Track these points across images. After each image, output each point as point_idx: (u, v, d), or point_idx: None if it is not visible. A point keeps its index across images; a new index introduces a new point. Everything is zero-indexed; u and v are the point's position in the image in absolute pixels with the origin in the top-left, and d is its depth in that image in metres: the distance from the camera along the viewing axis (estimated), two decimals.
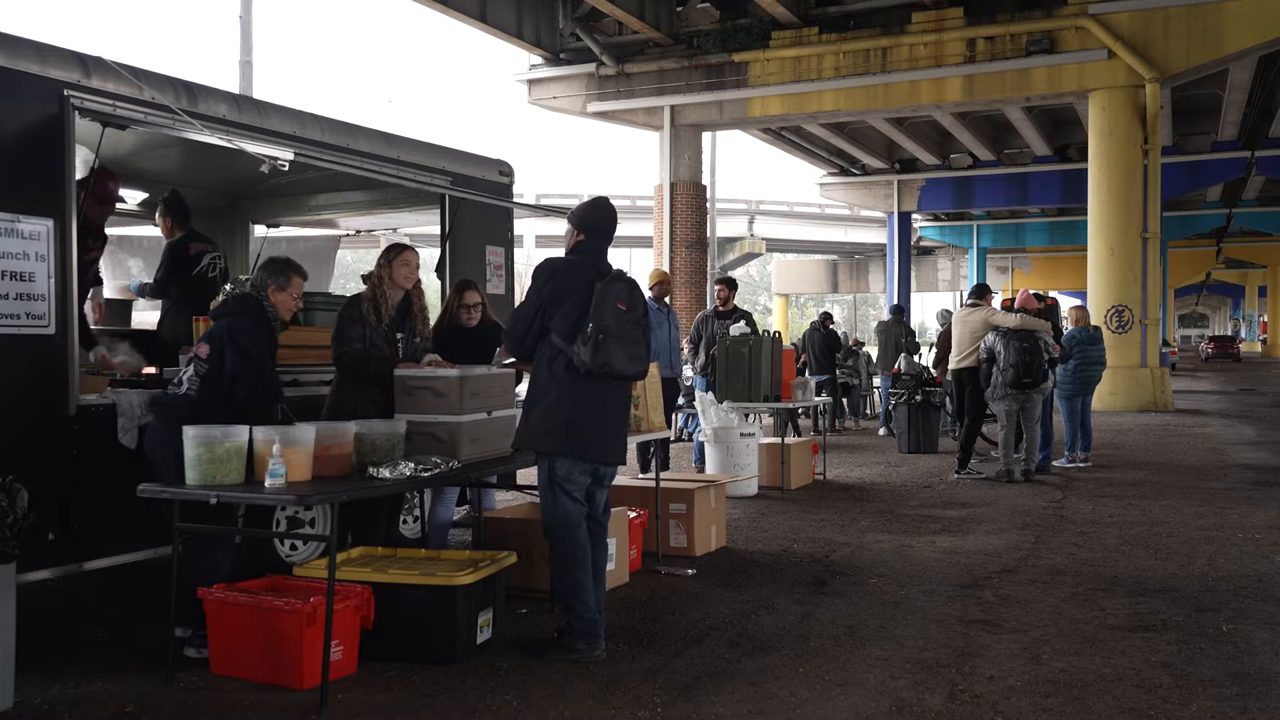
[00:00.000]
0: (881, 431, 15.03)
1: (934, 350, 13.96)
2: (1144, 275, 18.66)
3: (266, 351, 4.71)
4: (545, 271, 4.58)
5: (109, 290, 7.14)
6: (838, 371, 15.82)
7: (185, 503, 4.12)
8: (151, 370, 5.80)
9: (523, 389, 5.77)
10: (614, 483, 4.91)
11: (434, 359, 5.17)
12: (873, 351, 17.19)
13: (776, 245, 50.48)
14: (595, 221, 4.69)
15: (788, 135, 27.91)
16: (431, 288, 7.82)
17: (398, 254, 5.36)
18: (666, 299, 9.87)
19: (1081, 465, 10.90)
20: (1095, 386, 11.27)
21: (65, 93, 4.79)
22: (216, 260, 6.79)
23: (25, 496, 3.94)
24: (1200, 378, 33.42)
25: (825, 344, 15.43)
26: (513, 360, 5.19)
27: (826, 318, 16.25)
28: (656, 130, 21.79)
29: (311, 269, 8.63)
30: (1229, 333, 74.97)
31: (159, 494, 4.10)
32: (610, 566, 5.31)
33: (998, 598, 5.54)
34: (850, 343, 17.97)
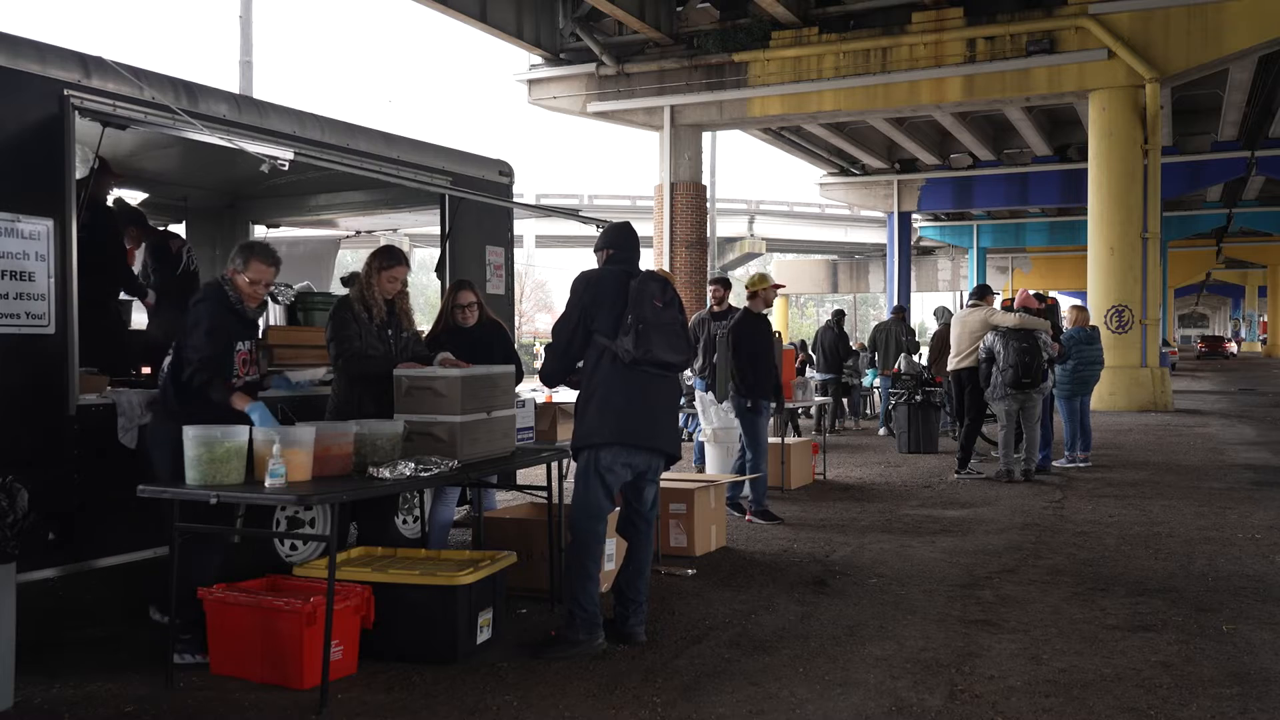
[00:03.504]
0: (881, 431, 15.03)
1: (929, 350, 13.97)
2: (1144, 275, 18.66)
3: (209, 327, 4.53)
4: (581, 282, 4.80)
5: None
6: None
7: (185, 503, 4.12)
8: (148, 370, 5.79)
9: (522, 389, 5.78)
10: None
11: (446, 357, 5.17)
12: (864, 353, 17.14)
13: (776, 245, 50.52)
14: (616, 237, 4.96)
15: (788, 135, 27.91)
16: (431, 287, 7.83)
17: (389, 267, 5.28)
18: None
19: (1081, 465, 10.90)
20: (1094, 386, 11.27)
21: (65, 93, 4.79)
22: (192, 253, 6.83)
23: (25, 496, 3.94)
24: (1200, 378, 33.43)
25: (835, 344, 15.41)
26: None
27: (840, 316, 16.10)
28: (656, 130, 21.79)
29: (311, 269, 8.68)
30: (1229, 333, 75.70)
31: (159, 494, 4.10)
32: (610, 566, 5.32)
33: (998, 598, 5.54)
34: (855, 344, 17.94)
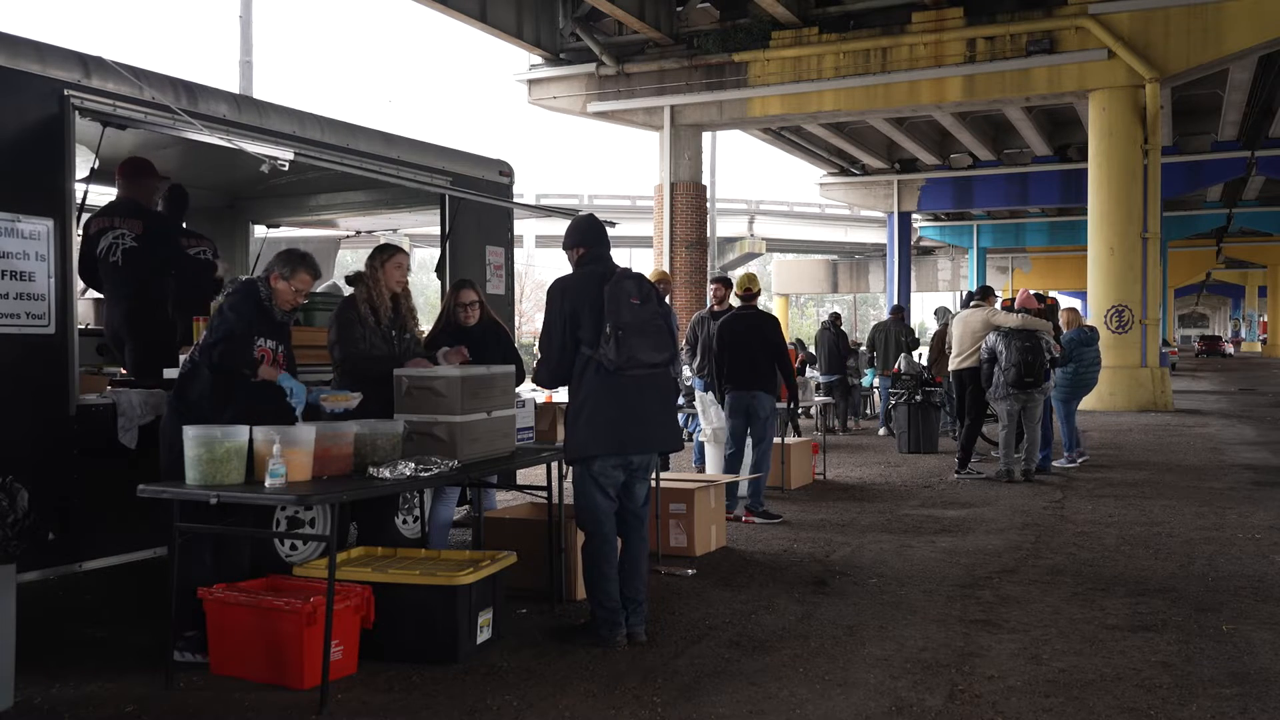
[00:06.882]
0: (881, 431, 15.03)
1: (929, 350, 13.97)
2: (1144, 275, 18.65)
3: (240, 319, 4.61)
4: (558, 291, 4.78)
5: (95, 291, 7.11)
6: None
7: (185, 503, 4.12)
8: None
9: (522, 389, 5.76)
10: None
11: (448, 351, 5.16)
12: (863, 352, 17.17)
13: (776, 245, 50.49)
14: (585, 232, 4.92)
15: (788, 135, 27.91)
16: (431, 288, 7.82)
17: (390, 256, 5.34)
18: (667, 299, 9.83)
19: (1074, 465, 10.89)
20: (1093, 388, 11.27)
21: (65, 93, 4.79)
22: (204, 252, 6.82)
23: (25, 496, 3.94)
24: (1200, 378, 33.42)
25: (835, 344, 15.47)
26: None
27: (836, 318, 16.27)
28: (656, 130, 21.78)
29: (321, 278, 8.68)
30: (1228, 333, 76.37)
31: (159, 494, 4.10)
32: None
33: (998, 598, 5.54)
34: (850, 343, 17.94)
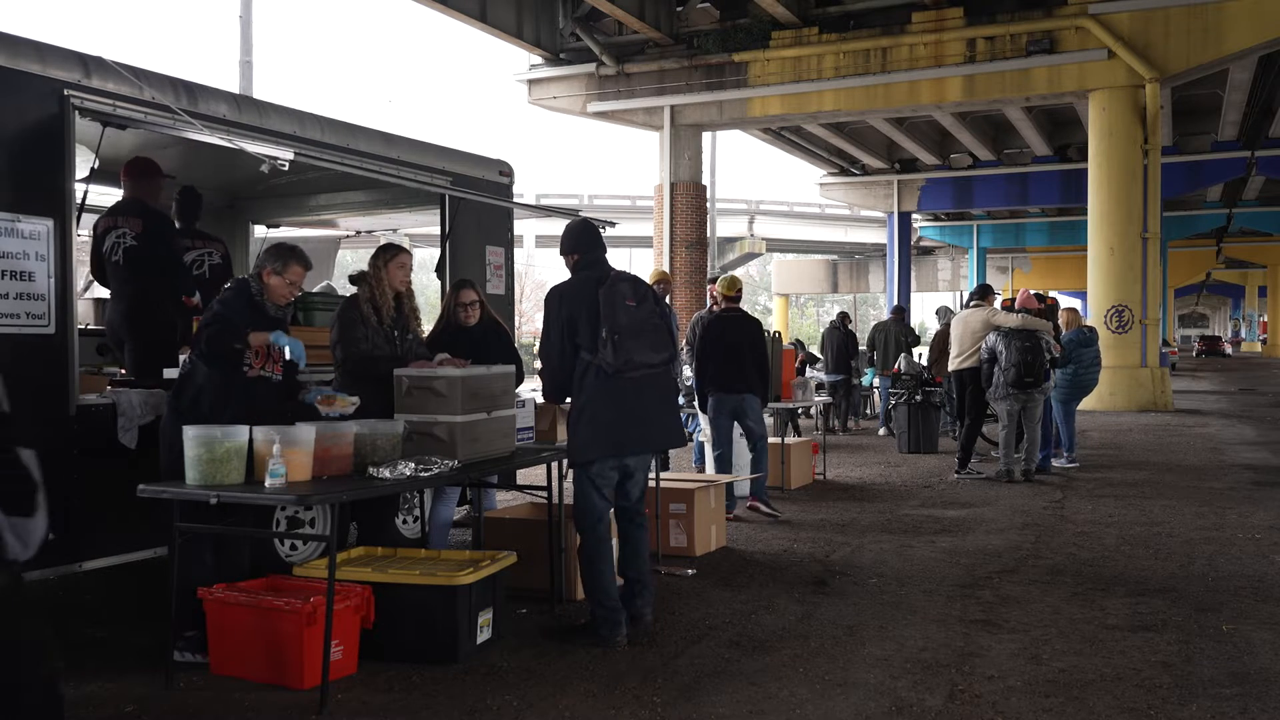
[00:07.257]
0: (881, 431, 15.03)
1: (929, 350, 13.97)
2: (1144, 275, 18.66)
3: (233, 311, 4.59)
4: (554, 299, 4.81)
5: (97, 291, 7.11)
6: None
7: (185, 503, 4.12)
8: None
9: (522, 389, 5.77)
10: None
11: (444, 358, 5.17)
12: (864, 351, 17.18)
13: (776, 245, 50.51)
14: (579, 237, 4.95)
15: (788, 135, 27.92)
16: (431, 287, 7.82)
17: (393, 255, 5.35)
18: (667, 299, 9.83)
19: (1074, 464, 10.90)
20: (1092, 390, 11.27)
21: (65, 93, 4.80)
22: (211, 254, 6.83)
23: None
24: (1200, 378, 33.43)
25: (844, 344, 15.48)
26: None
27: (844, 318, 16.28)
28: (656, 130, 21.79)
29: (311, 270, 8.67)
30: (1228, 333, 76.73)
31: (159, 494, 4.10)
32: None
33: (998, 598, 5.54)
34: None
